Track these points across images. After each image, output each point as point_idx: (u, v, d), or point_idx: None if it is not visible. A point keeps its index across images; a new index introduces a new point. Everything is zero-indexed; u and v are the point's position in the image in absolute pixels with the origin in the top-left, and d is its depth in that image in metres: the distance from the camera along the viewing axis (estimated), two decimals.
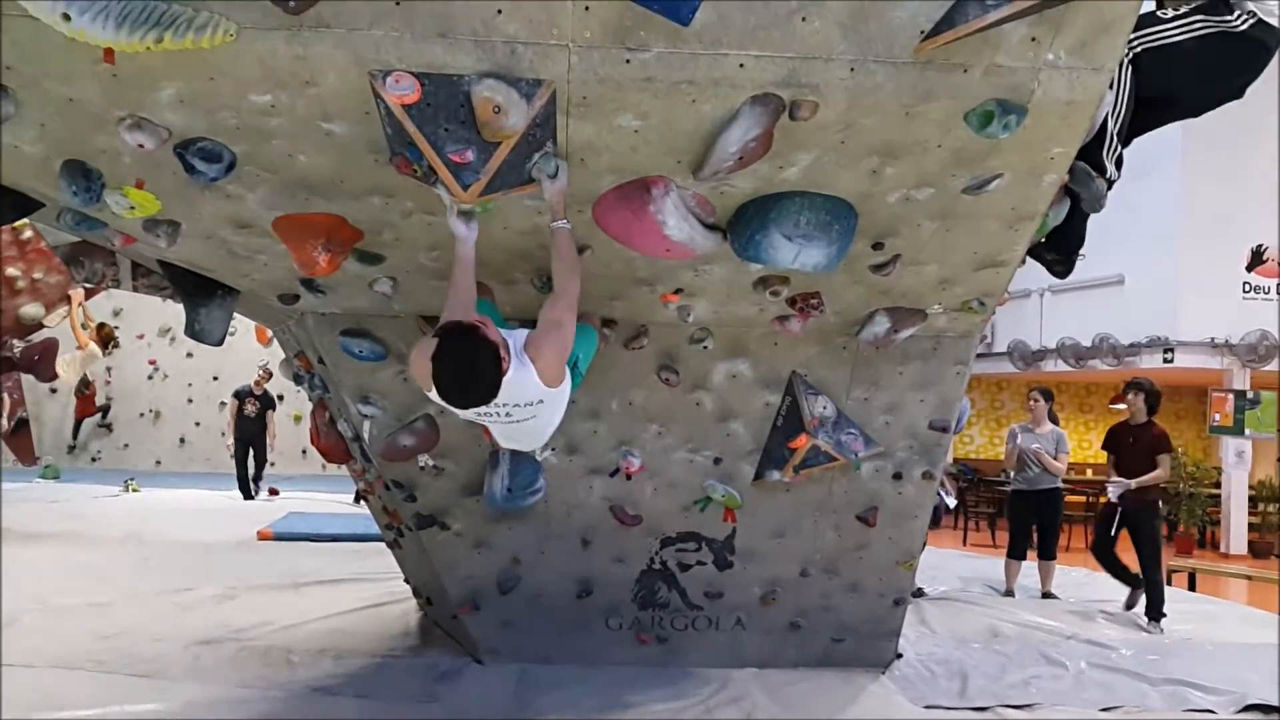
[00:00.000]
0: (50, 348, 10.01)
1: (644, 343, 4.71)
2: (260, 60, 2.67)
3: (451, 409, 3.14)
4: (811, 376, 4.86)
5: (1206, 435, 15.11)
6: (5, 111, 2.93)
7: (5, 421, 10.81)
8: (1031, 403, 8.70)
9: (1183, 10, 3.35)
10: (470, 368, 2.97)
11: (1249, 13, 3.33)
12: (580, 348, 3.75)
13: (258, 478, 14.30)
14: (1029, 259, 4.28)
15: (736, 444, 5.07)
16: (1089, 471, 15.99)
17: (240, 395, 14.20)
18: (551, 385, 3.28)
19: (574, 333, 3.33)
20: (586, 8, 2.55)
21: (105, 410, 18.29)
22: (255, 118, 2.95)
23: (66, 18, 2.46)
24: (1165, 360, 12.90)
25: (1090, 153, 3.40)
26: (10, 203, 3.72)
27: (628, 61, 2.70)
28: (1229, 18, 3.34)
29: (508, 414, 3.25)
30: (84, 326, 10.09)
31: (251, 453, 14.18)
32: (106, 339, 10.77)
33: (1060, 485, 8.66)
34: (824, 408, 4.82)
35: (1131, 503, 7.67)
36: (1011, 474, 8.76)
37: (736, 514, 5.21)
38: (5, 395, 10.65)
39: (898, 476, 5.18)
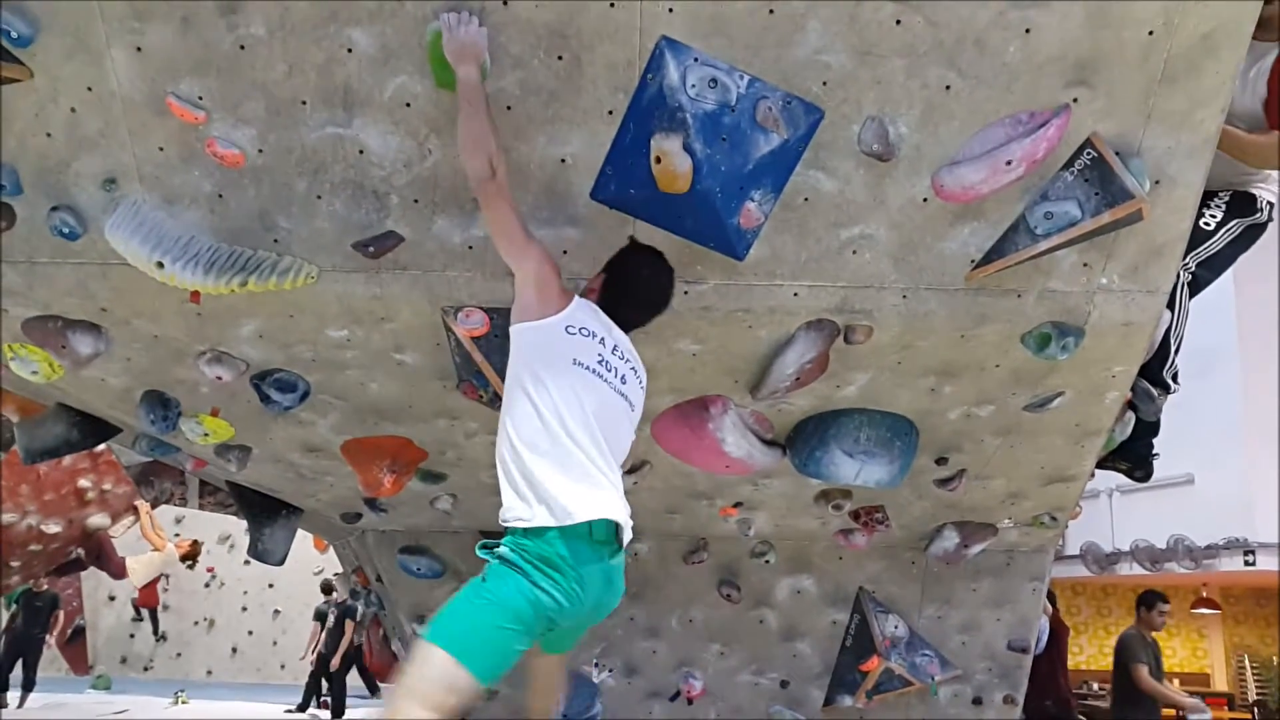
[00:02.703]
0: (103, 539, 10.18)
1: (703, 557, 4.62)
2: (339, 299, 2.81)
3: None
4: (880, 593, 4.69)
5: None
6: (98, 349, 3.09)
7: (61, 630, 10.90)
8: None
9: (1219, 216, 3.39)
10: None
11: (1268, 203, 3.37)
12: None
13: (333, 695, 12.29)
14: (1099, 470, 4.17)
15: (804, 665, 4.85)
16: (1175, 682, 14.91)
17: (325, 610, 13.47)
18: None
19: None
20: None
21: (155, 620, 18.09)
22: (331, 350, 3.07)
23: (160, 265, 2.63)
24: (1247, 563, 12.25)
25: (1151, 369, 3.37)
26: (90, 428, 3.87)
27: (685, 293, 2.79)
28: (1258, 214, 3.38)
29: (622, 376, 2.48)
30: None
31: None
32: (194, 555, 11.00)
33: None
34: (895, 627, 4.62)
35: None
36: None
37: None
38: (62, 606, 10.77)
39: (978, 701, 4.88)
